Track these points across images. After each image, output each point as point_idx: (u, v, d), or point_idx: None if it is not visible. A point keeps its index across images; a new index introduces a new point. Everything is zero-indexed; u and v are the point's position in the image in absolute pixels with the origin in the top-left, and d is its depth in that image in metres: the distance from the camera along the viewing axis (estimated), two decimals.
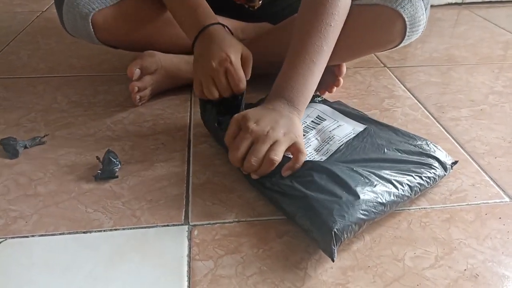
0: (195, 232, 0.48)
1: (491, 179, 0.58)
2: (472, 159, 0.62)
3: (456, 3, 1.36)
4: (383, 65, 0.92)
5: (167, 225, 0.49)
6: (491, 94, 0.81)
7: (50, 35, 1.04)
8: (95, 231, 0.48)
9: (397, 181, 0.50)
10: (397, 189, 0.49)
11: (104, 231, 0.48)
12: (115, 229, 0.48)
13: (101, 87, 0.81)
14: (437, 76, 0.88)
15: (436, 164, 0.54)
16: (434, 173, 0.53)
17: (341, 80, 0.74)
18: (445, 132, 0.69)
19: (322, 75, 0.76)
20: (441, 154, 0.56)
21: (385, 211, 0.48)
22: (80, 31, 0.70)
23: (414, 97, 0.79)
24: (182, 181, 0.56)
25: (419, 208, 0.53)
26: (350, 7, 0.67)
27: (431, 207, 0.53)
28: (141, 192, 0.54)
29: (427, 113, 0.74)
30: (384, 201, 0.47)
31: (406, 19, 0.64)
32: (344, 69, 0.74)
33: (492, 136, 0.68)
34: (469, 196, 0.55)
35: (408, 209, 0.52)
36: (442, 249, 0.47)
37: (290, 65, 0.57)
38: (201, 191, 0.55)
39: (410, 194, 0.50)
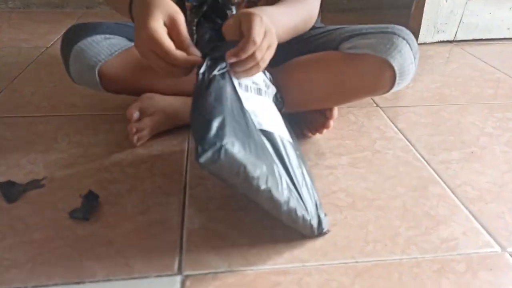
0: (188, 283, 0.49)
1: (482, 226, 0.59)
2: (463, 204, 0.63)
3: (447, 41, 1.40)
4: (375, 105, 0.95)
5: (160, 276, 0.50)
6: (482, 135, 0.83)
7: (54, 72, 1.07)
8: (88, 282, 0.49)
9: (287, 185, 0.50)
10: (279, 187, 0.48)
11: (97, 281, 0.49)
12: (108, 280, 0.49)
13: (102, 126, 0.82)
14: (428, 116, 0.90)
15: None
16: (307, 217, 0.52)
17: (332, 123, 0.76)
18: (436, 176, 0.70)
19: (314, 117, 0.78)
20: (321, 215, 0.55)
21: (255, 190, 0.46)
22: (86, 81, 0.73)
23: (406, 138, 0.81)
24: (177, 226, 0.57)
25: (410, 258, 0.53)
26: (344, 55, 0.70)
27: (422, 257, 0.53)
28: (135, 238, 0.55)
29: (418, 155, 0.76)
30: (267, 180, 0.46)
31: (395, 68, 0.67)
32: (336, 113, 0.76)
33: (482, 181, 0.69)
34: (460, 245, 0.55)
35: (399, 259, 0.53)
36: None
37: (276, 8, 0.65)
38: (195, 237, 0.55)
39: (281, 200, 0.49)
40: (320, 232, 0.55)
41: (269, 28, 0.55)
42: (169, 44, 0.52)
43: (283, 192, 0.49)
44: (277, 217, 0.52)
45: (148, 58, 0.53)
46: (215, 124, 0.43)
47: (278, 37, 0.59)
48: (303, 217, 0.52)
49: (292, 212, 0.50)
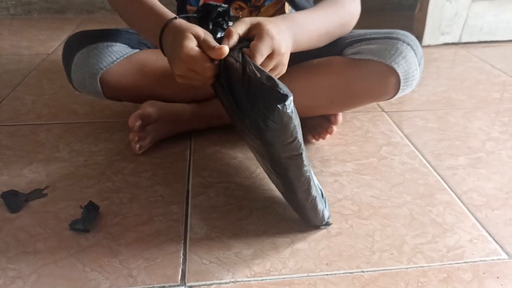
0: None
1: (489, 234, 0.58)
2: (470, 211, 0.62)
3: (452, 43, 1.39)
4: (380, 110, 0.94)
5: (163, 286, 0.49)
6: (488, 140, 0.82)
7: (55, 79, 1.07)
8: None
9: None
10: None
11: None
12: None
13: (103, 134, 0.82)
14: (434, 121, 0.89)
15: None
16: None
17: (335, 128, 0.75)
18: (443, 182, 0.69)
19: (318, 122, 0.78)
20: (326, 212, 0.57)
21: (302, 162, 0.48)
22: (88, 89, 0.73)
23: (412, 144, 0.80)
24: (180, 236, 0.57)
25: (416, 267, 0.52)
26: (348, 61, 0.70)
27: (428, 266, 0.53)
28: (138, 249, 0.54)
29: (425, 161, 0.75)
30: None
31: (400, 75, 0.66)
32: (340, 119, 0.75)
33: (489, 187, 0.68)
34: (467, 253, 0.55)
35: (406, 268, 0.52)
36: None
37: (305, 14, 0.63)
38: (199, 248, 0.55)
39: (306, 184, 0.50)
40: (326, 223, 0.57)
41: (278, 48, 0.53)
42: (205, 59, 0.52)
43: (313, 176, 0.50)
44: (303, 204, 0.53)
45: (187, 75, 0.54)
46: (279, 82, 0.43)
47: (300, 45, 0.59)
48: (318, 206, 0.53)
49: (315, 199, 0.52)
